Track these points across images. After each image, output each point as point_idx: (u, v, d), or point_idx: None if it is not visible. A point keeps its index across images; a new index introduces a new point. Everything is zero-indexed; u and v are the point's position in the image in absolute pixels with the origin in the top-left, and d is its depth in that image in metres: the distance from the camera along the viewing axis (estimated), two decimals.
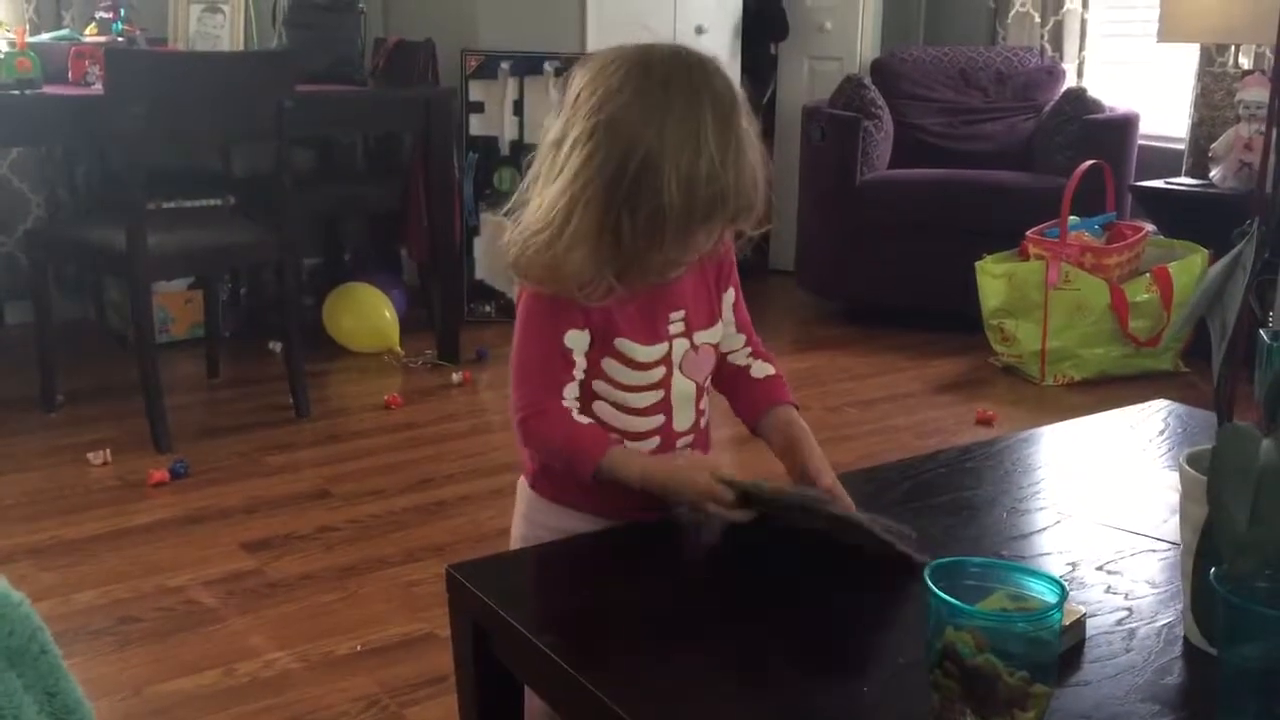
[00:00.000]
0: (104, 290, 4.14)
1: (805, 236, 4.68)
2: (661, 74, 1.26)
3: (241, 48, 3.50)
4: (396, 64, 4.14)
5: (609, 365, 1.35)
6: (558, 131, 1.37)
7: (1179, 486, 1.14)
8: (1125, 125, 4.26)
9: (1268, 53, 3.95)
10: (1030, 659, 0.91)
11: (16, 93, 3.06)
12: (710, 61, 1.28)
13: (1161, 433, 1.72)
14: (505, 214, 1.37)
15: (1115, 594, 1.21)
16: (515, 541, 1.46)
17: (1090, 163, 3.83)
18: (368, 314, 3.97)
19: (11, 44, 3.30)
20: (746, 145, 1.25)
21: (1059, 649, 0.94)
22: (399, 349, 3.93)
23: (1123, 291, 3.71)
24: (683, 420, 1.40)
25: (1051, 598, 0.95)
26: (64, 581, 2.37)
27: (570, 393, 1.34)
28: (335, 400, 3.54)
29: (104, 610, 2.26)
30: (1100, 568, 1.27)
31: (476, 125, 4.34)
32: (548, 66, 4.34)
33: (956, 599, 0.92)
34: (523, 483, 1.46)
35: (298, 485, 2.88)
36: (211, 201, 3.98)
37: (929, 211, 4.24)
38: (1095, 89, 4.53)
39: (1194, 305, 1.12)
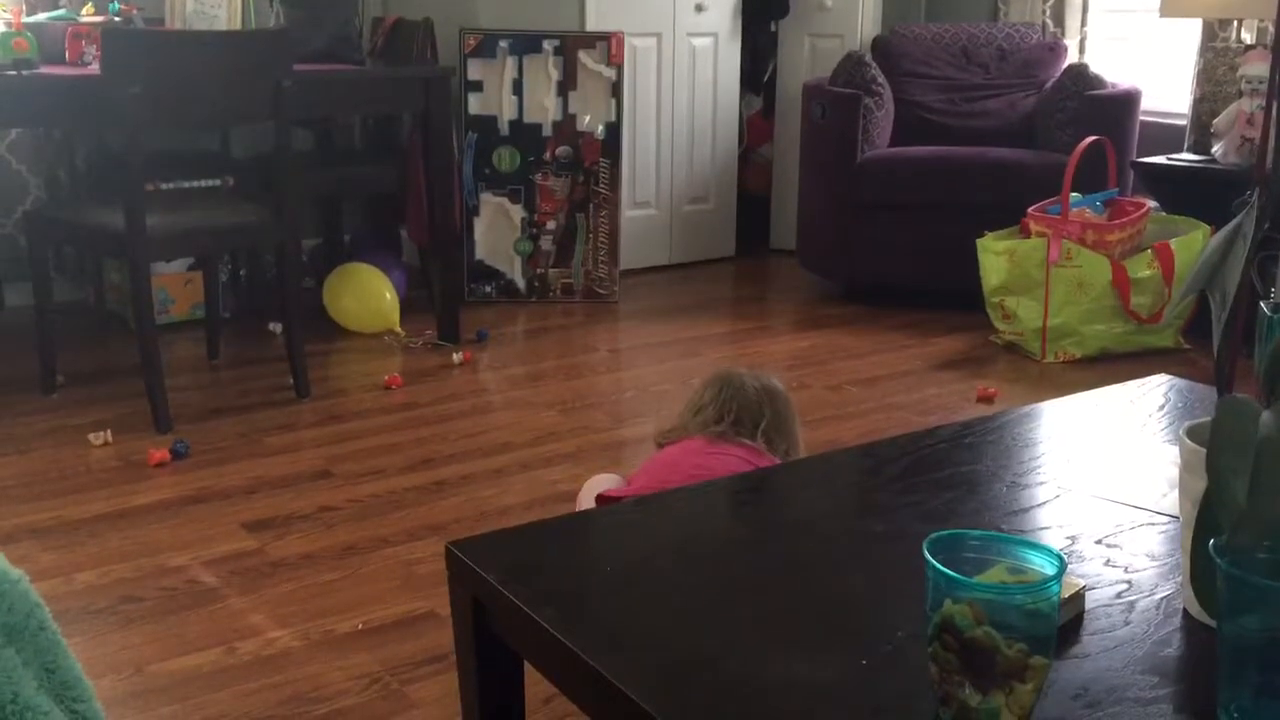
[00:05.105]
0: (104, 272, 4.14)
1: (806, 215, 4.67)
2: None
3: (239, 27, 3.48)
4: (395, 43, 4.12)
5: None
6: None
7: (1179, 460, 1.14)
8: (1127, 101, 4.25)
9: (1270, 27, 3.93)
10: (1029, 631, 0.91)
11: (13, 73, 3.05)
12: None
13: (1161, 407, 1.72)
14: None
15: (1115, 567, 1.21)
16: None
17: (1092, 139, 3.82)
18: (368, 295, 3.96)
19: (8, 24, 3.28)
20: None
21: (1057, 622, 0.94)
22: (399, 329, 3.93)
23: (1124, 268, 3.71)
24: None
25: (1050, 570, 0.94)
26: (65, 561, 2.38)
27: None
28: (335, 381, 3.54)
29: (105, 590, 2.26)
30: (1100, 541, 1.27)
31: (475, 105, 4.32)
32: (546, 45, 4.32)
33: (955, 572, 0.92)
34: None
35: (298, 465, 2.88)
36: (210, 182, 3.97)
37: (930, 189, 4.23)
38: (1097, 65, 4.51)
39: (1194, 276, 1.11)
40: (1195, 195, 3.96)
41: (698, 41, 4.88)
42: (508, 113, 4.34)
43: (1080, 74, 4.35)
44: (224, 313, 3.94)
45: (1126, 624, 1.09)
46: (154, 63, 2.93)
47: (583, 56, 4.34)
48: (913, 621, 1.04)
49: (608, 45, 4.35)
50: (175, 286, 4.04)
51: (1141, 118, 4.30)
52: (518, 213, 4.41)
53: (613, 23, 4.52)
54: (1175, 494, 1.31)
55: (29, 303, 3.56)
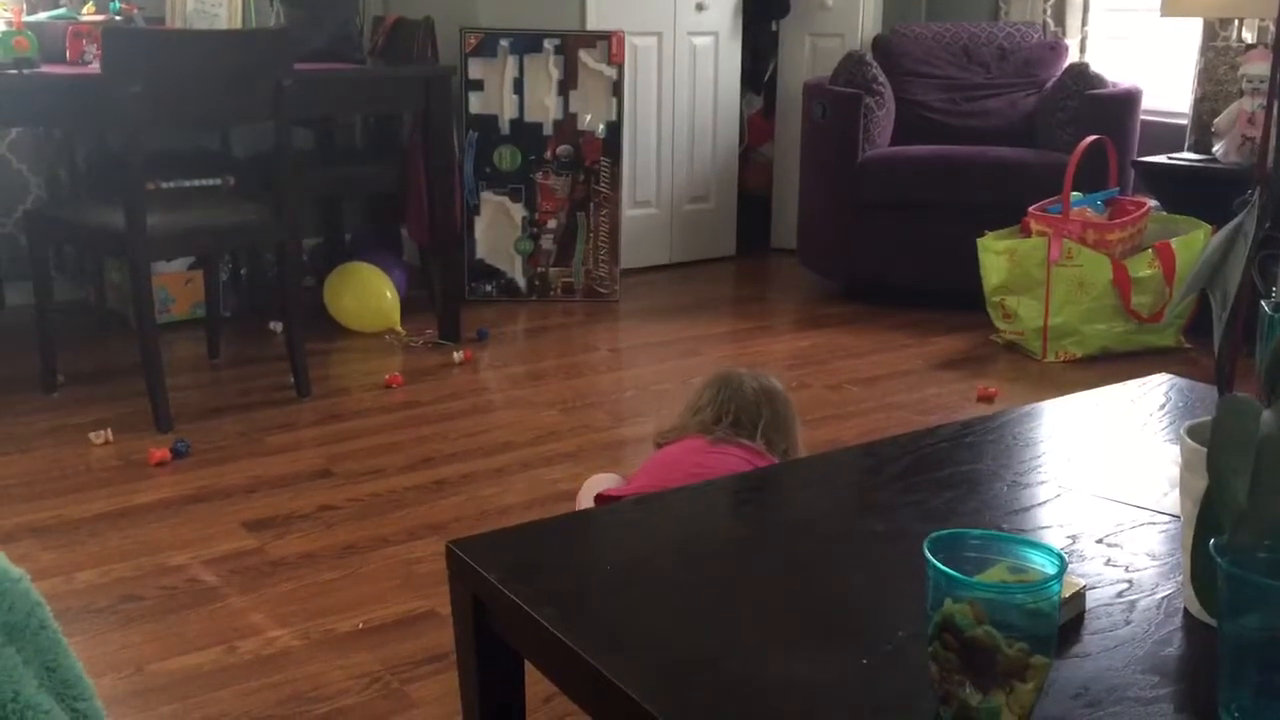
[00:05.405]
0: (104, 271, 4.14)
1: (806, 214, 4.67)
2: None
3: (239, 26, 3.48)
4: (395, 42, 4.12)
5: None
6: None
7: (1180, 459, 1.14)
8: (1128, 101, 4.24)
9: (1270, 26, 3.93)
10: (1029, 631, 0.91)
11: (14, 72, 3.05)
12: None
13: (1162, 407, 1.72)
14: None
15: (1115, 566, 1.21)
16: None
17: (1092, 138, 3.82)
18: (368, 294, 3.96)
19: (9, 23, 3.28)
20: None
21: (1058, 621, 0.94)
22: (400, 328, 3.93)
23: (1125, 267, 3.70)
24: None
25: (1051, 569, 0.94)
26: (66, 560, 2.38)
27: None
28: (336, 380, 3.54)
29: (106, 589, 2.26)
30: (1100, 540, 1.27)
31: (476, 104, 4.32)
32: (547, 44, 4.32)
33: (956, 571, 0.92)
34: None
35: (299, 464, 2.88)
36: (211, 181, 3.97)
37: (931, 189, 4.23)
38: (1098, 64, 4.51)
39: (1195, 276, 1.11)
40: (1196, 194, 3.96)
41: (698, 40, 4.88)
42: (508, 112, 4.34)
43: (1081, 73, 4.35)
44: (224, 312, 3.94)
45: (1127, 623, 1.09)
46: (154, 62, 2.93)
47: (583, 55, 4.34)
48: (913, 621, 1.04)
49: (608, 44, 4.35)
50: (176, 286, 4.04)
51: (1142, 117, 4.30)
52: (518, 212, 4.41)
53: (613, 22, 4.52)
54: (1176, 493, 1.31)
55: (30, 302, 3.56)
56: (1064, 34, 4.74)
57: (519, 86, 4.33)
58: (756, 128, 5.60)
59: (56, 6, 3.70)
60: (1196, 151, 4.20)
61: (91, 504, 2.64)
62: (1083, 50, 4.74)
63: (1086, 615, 1.11)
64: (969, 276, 3.90)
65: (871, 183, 4.29)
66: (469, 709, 1.28)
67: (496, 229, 4.42)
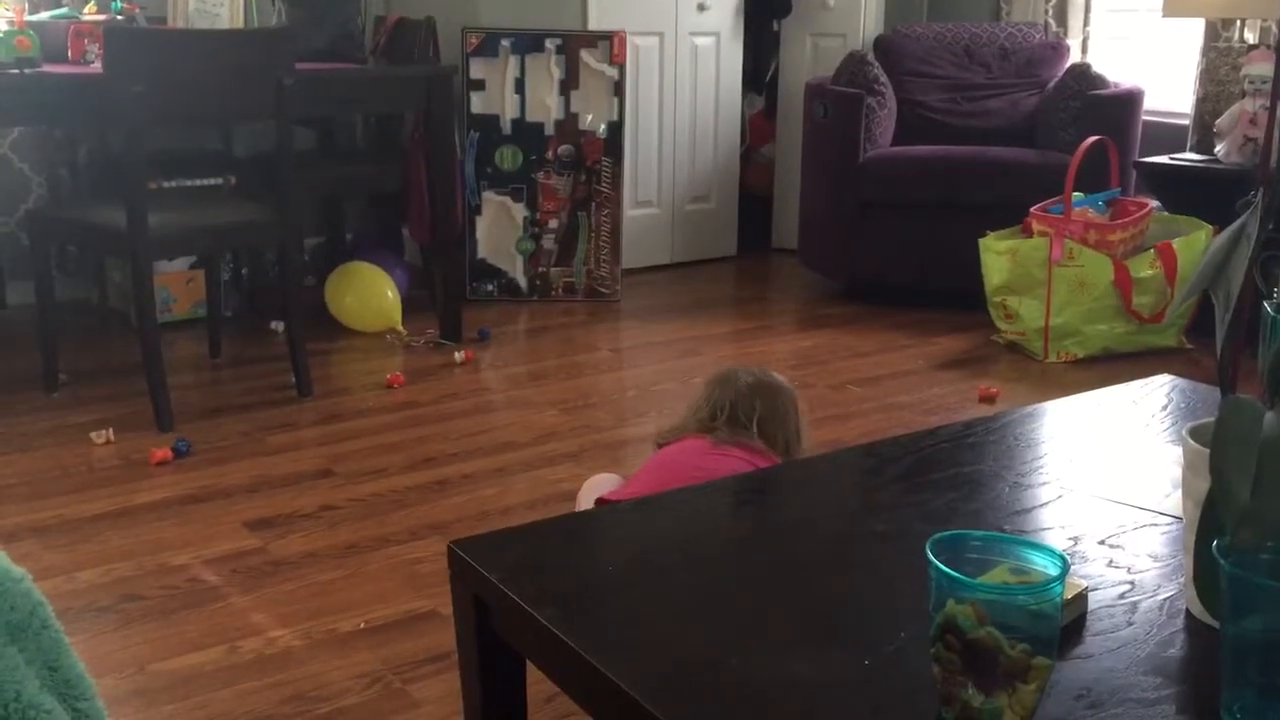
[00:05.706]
0: (106, 270, 4.14)
1: (808, 214, 4.67)
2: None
3: (241, 26, 3.48)
4: (397, 42, 4.12)
5: None
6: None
7: (1182, 460, 1.14)
8: (1129, 101, 4.24)
9: (1273, 27, 3.93)
10: (1032, 632, 0.91)
11: (16, 71, 3.05)
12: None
13: (1164, 408, 1.71)
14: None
15: (1117, 568, 1.21)
16: None
17: (1094, 139, 3.81)
18: (370, 293, 3.96)
19: (11, 22, 3.28)
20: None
21: (1060, 622, 0.94)
22: (401, 328, 3.93)
23: (1126, 268, 3.70)
24: None
25: (1053, 571, 0.94)
26: (67, 560, 2.38)
27: None
28: (337, 379, 3.54)
29: (107, 588, 2.26)
30: (1102, 542, 1.27)
31: (478, 103, 4.32)
32: (549, 44, 4.32)
33: (958, 572, 0.92)
34: None
35: (300, 464, 2.88)
36: (212, 181, 3.97)
37: (932, 189, 4.23)
38: (1099, 65, 4.51)
39: (1198, 276, 1.11)
40: (1198, 195, 3.96)
41: (700, 40, 4.88)
42: (510, 111, 4.34)
43: (1082, 74, 4.35)
44: (226, 311, 3.94)
45: (1129, 625, 1.09)
46: (156, 61, 2.93)
47: (585, 55, 4.34)
48: (915, 622, 1.04)
49: (610, 44, 4.35)
50: (177, 285, 4.04)
51: (1144, 117, 4.30)
52: (520, 211, 4.41)
53: (615, 21, 4.51)
54: (1178, 494, 1.31)
55: (31, 301, 3.55)
56: (1065, 34, 4.74)
57: (520, 86, 4.33)
58: (758, 128, 5.60)
59: (58, 6, 3.70)
60: (1198, 152, 4.20)
61: (93, 503, 2.65)
62: (1084, 50, 4.74)
63: (1088, 616, 1.10)
64: (970, 276, 3.90)
65: (873, 183, 4.29)
66: (470, 709, 1.28)
67: (498, 229, 4.42)
